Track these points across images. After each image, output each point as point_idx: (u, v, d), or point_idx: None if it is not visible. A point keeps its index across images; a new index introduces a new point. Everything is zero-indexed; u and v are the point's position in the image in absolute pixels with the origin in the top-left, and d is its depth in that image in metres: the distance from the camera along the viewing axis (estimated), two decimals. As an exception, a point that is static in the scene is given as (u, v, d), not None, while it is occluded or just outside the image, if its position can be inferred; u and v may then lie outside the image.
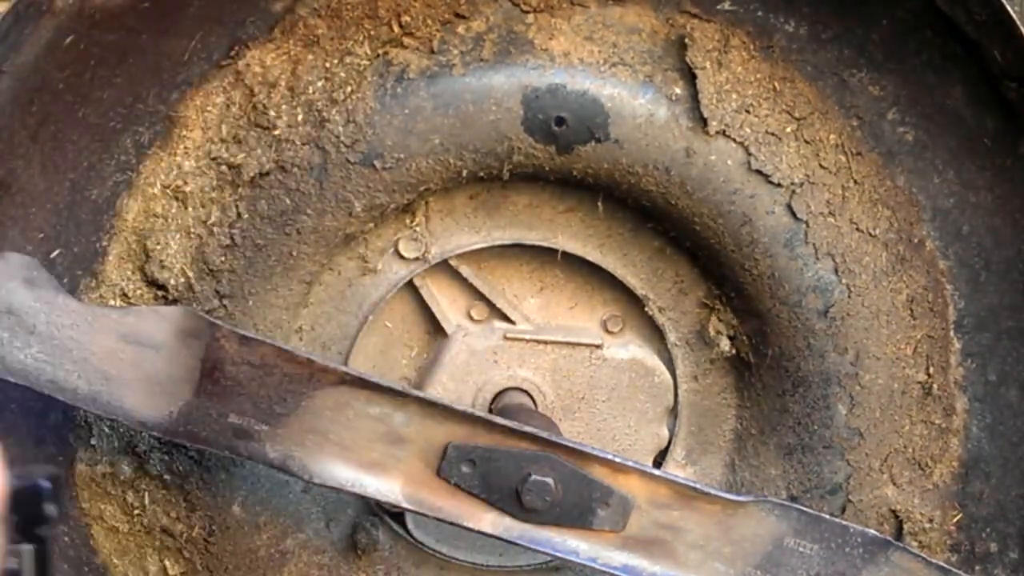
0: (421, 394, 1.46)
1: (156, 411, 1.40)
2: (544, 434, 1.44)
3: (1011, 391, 1.61)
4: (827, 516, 1.47)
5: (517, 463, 1.43)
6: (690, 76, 1.49)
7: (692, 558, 1.45)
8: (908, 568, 1.44)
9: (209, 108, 1.49)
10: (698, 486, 1.45)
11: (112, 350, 1.38)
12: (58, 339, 1.38)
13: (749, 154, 1.50)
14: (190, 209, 1.50)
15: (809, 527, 1.44)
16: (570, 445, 1.44)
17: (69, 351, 1.38)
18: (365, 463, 1.44)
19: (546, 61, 1.49)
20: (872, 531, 1.46)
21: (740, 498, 1.43)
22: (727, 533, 1.43)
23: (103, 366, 1.38)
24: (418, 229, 1.64)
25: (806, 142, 1.52)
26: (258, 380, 1.40)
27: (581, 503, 1.43)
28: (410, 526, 1.75)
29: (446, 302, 1.71)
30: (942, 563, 1.48)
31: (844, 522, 1.47)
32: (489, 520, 1.46)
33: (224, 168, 1.49)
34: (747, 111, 1.49)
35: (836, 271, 1.55)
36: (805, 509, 1.46)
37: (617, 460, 1.43)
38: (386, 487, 1.45)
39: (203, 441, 1.42)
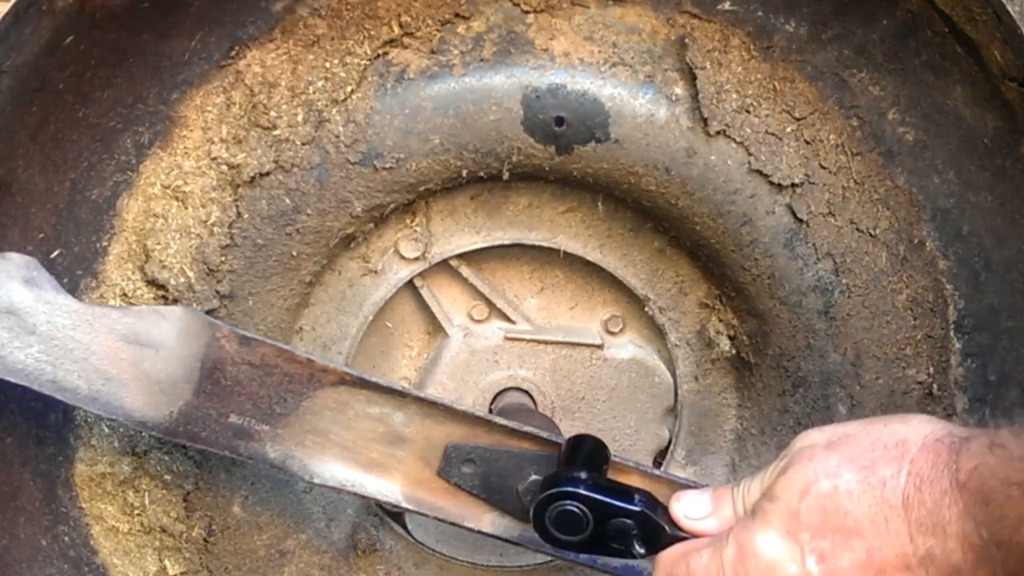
0: (421, 394, 1.46)
1: (156, 411, 1.40)
2: (544, 434, 1.43)
3: (1011, 391, 1.61)
4: None
5: (518, 463, 1.42)
6: (690, 76, 1.49)
7: None
8: None
9: (209, 108, 1.49)
10: (698, 484, 1.45)
11: (112, 350, 1.38)
12: (58, 339, 1.37)
13: (749, 154, 1.50)
14: (190, 209, 1.50)
15: None
16: None
17: (70, 351, 1.38)
18: (365, 463, 1.44)
19: (546, 61, 1.49)
20: None
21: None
22: None
23: (103, 366, 1.38)
24: (418, 229, 1.64)
25: (806, 142, 1.52)
26: (258, 380, 1.40)
27: None
28: (410, 526, 1.75)
29: (446, 302, 1.72)
30: None
31: None
32: (489, 520, 1.46)
33: (224, 168, 1.49)
34: (747, 111, 1.49)
35: (836, 271, 1.55)
36: None
37: (616, 460, 1.43)
38: (386, 487, 1.45)
39: (203, 441, 1.42)
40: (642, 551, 1.29)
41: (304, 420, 1.42)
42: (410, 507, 1.47)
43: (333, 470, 1.44)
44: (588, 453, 1.38)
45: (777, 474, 1.15)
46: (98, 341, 1.38)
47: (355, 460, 1.44)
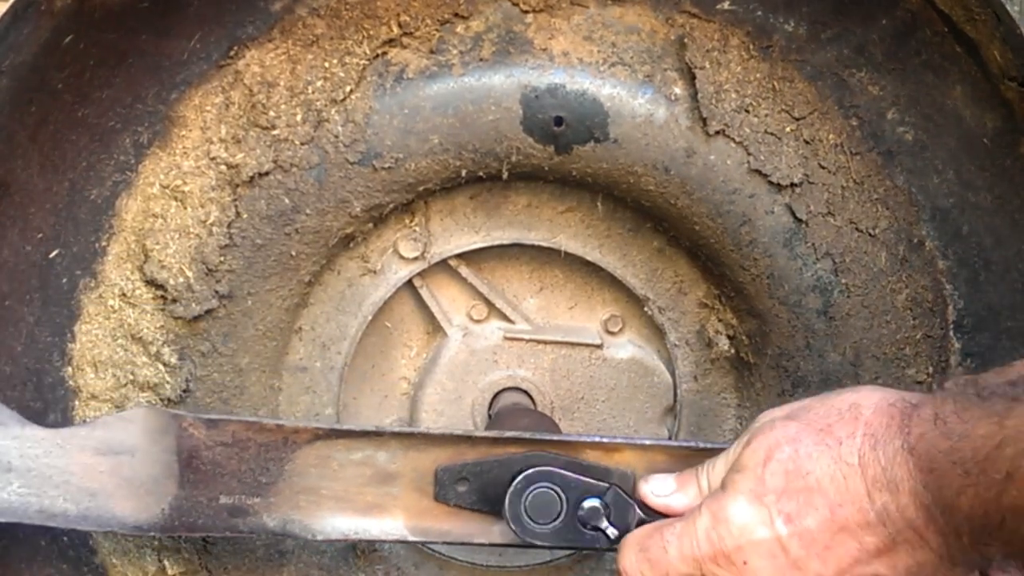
0: (397, 429, 1.48)
1: (148, 513, 1.42)
2: (527, 435, 1.43)
3: (1011, 391, 1.61)
4: None
5: (509, 469, 1.42)
6: (689, 76, 1.49)
7: None
8: None
9: (208, 108, 1.49)
10: (692, 443, 1.45)
11: (89, 465, 1.41)
12: (35, 469, 1.40)
13: (749, 154, 1.50)
14: (189, 209, 1.50)
15: None
16: (555, 438, 1.43)
17: (49, 478, 1.40)
18: (363, 508, 1.45)
19: (545, 61, 1.49)
20: None
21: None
22: None
23: (85, 483, 1.41)
24: (417, 229, 1.64)
25: (805, 142, 1.51)
26: (236, 457, 1.42)
27: None
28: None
29: (446, 302, 1.72)
30: None
31: None
32: (498, 531, 1.45)
33: (223, 168, 1.49)
34: (746, 111, 1.49)
35: (835, 271, 1.55)
36: None
37: (605, 440, 1.43)
38: (389, 525, 1.46)
39: (201, 528, 1.44)
40: (615, 532, 1.33)
41: (292, 483, 1.43)
42: (417, 539, 1.48)
43: (334, 523, 1.45)
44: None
45: (741, 447, 1.20)
46: (74, 461, 1.40)
47: (352, 508, 1.45)
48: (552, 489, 1.35)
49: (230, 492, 1.43)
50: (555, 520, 1.36)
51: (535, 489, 1.35)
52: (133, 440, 1.41)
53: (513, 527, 1.37)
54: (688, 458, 1.43)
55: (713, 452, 1.42)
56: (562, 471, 1.36)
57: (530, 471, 1.36)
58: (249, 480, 1.43)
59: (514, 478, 1.40)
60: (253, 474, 1.43)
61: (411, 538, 1.47)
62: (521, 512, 1.36)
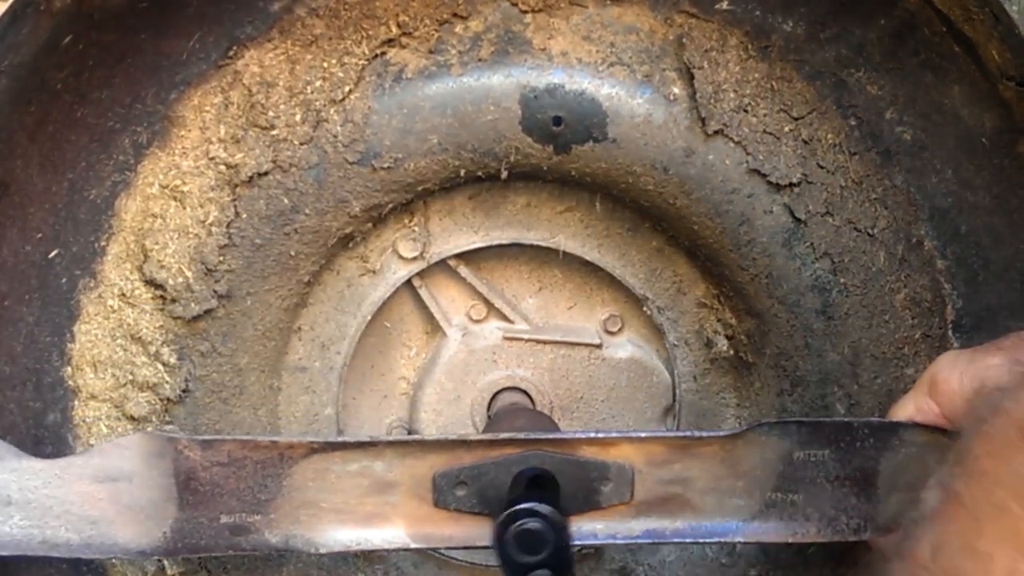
0: (391, 438, 1.48)
1: (150, 537, 1.42)
2: (522, 435, 1.43)
3: (1010, 391, 1.61)
4: (827, 419, 1.45)
5: (507, 470, 1.42)
6: (688, 76, 1.49)
7: (709, 502, 1.44)
8: (923, 442, 1.41)
9: (207, 108, 1.49)
10: (688, 433, 1.45)
11: (89, 494, 1.41)
12: (35, 501, 1.39)
13: (747, 154, 1.50)
14: (188, 209, 1.50)
15: (813, 435, 1.41)
16: (551, 437, 1.43)
17: (49, 509, 1.40)
18: (363, 518, 1.45)
19: (544, 61, 1.49)
20: (876, 419, 1.43)
21: (734, 431, 1.42)
22: (734, 468, 1.42)
23: (86, 512, 1.41)
24: (417, 229, 1.64)
25: (804, 142, 1.52)
26: (233, 476, 1.42)
27: (582, 487, 1.42)
28: (409, 526, 1.75)
29: (445, 302, 1.72)
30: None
31: (847, 419, 1.46)
32: None
33: (222, 168, 1.49)
34: (745, 111, 1.49)
35: (834, 271, 1.55)
36: (803, 419, 1.45)
37: (601, 435, 1.43)
38: (391, 534, 1.46)
39: (204, 549, 1.44)
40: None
41: (291, 498, 1.44)
42: (420, 545, 1.48)
43: (336, 535, 1.45)
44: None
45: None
46: (73, 490, 1.40)
47: (353, 519, 1.45)
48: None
49: (230, 511, 1.43)
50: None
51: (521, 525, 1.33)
52: (130, 466, 1.41)
53: (504, 567, 1.35)
54: (688, 447, 1.43)
55: (710, 441, 1.42)
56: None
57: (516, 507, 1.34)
58: (248, 498, 1.43)
59: (512, 483, 1.40)
60: (252, 492, 1.43)
61: (413, 545, 1.47)
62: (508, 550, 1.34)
